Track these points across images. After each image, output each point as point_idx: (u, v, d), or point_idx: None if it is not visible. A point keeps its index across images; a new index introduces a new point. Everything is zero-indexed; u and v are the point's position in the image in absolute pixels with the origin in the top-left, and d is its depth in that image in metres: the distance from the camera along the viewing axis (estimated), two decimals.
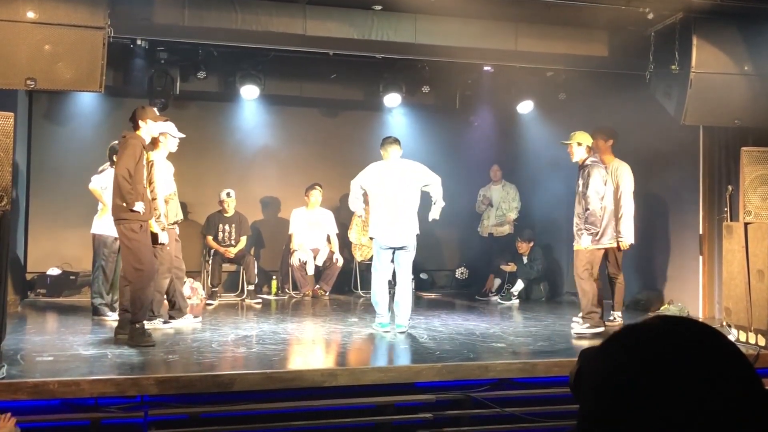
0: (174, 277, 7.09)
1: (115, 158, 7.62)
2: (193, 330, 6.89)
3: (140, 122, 6.27)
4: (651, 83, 7.52)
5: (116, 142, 7.67)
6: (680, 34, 7.06)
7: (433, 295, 10.32)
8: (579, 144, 6.97)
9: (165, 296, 7.11)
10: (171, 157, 7.20)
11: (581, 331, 6.74)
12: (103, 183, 7.41)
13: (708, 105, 7.07)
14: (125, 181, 5.98)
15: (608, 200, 6.94)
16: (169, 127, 7.04)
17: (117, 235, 7.48)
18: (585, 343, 6.50)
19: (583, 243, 6.79)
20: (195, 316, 7.36)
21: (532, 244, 9.80)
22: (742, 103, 7.10)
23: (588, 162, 6.89)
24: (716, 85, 7.00)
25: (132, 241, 6.04)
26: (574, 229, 6.99)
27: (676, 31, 7.08)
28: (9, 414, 3.80)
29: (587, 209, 6.74)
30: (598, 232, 6.76)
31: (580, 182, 6.91)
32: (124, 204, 5.99)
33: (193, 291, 9.27)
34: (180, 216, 7.30)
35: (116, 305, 7.52)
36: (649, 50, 7.41)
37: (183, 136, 7.15)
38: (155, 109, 6.55)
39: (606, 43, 7.74)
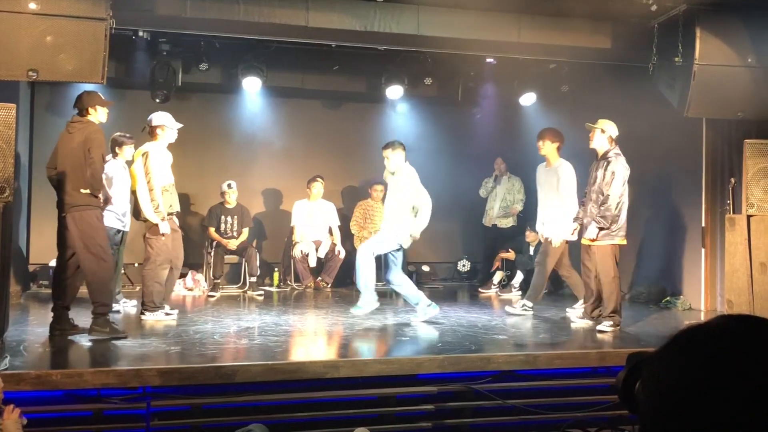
0: (173, 266, 7.09)
1: (118, 150, 7.66)
2: (195, 322, 6.89)
3: (90, 109, 6.05)
4: (654, 75, 7.51)
5: (119, 133, 7.67)
6: (684, 26, 7.03)
7: (435, 287, 10.32)
8: (603, 131, 6.79)
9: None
10: (173, 148, 7.20)
11: (605, 329, 6.59)
12: (106, 173, 7.40)
13: (711, 97, 7.05)
14: (102, 168, 5.93)
15: (626, 196, 6.73)
16: (167, 118, 7.03)
17: (118, 227, 7.53)
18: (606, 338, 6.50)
19: (590, 233, 6.63)
20: (169, 312, 7.09)
21: None
22: (746, 95, 7.08)
23: (610, 155, 6.69)
24: (719, 77, 6.98)
25: (97, 229, 5.92)
26: (584, 221, 6.84)
27: (680, 22, 7.06)
28: (12, 405, 3.81)
29: (605, 202, 6.56)
30: (605, 228, 6.58)
31: (599, 173, 6.71)
32: (88, 190, 5.84)
33: (195, 283, 9.29)
34: (176, 207, 7.21)
35: (118, 296, 7.53)
36: (652, 42, 7.39)
37: (180, 126, 7.15)
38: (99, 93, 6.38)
39: (609, 34, 7.72)
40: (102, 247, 5.91)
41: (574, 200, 7.48)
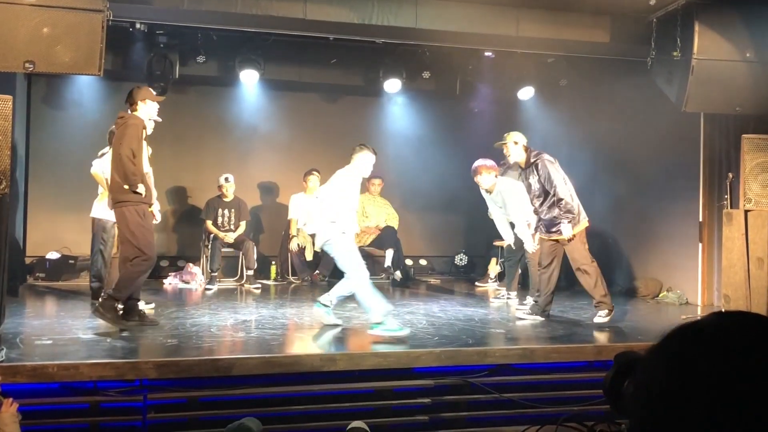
0: None
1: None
2: (192, 315, 6.88)
3: (140, 103, 6.16)
4: (652, 70, 7.49)
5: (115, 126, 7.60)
6: (682, 21, 7.02)
7: (432, 281, 10.33)
8: (516, 143, 6.88)
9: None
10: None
11: (602, 320, 6.59)
12: (104, 167, 7.36)
13: (709, 92, 7.04)
14: (130, 162, 5.88)
15: (569, 181, 6.79)
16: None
17: (114, 220, 7.48)
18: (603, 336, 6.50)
19: (565, 232, 6.63)
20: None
21: None
22: (744, 90, 7.07)
23: (533, 158, 6.78)
24: (718, 71, 6.97)
25: (137, 225, 5.93)
26: (549, 225, 6.78)
27: (678, 17, 7.05)
28: (11, 399, 3.80)
29: (560, 200, 6.60)
30: (575, 217, 6.65)
31: (533, 180, 6.78)
32: (126, 186, 5.90)
33: (192, 276, 9.28)
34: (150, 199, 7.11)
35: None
36: (650, 36, 7.38)
37: (159, 119, 7.10)
38: (152, 89, 6.42)
39: (608, 29, 7.71)
40: (142, 244, 5.91)
41: (527, 205, 7.54)
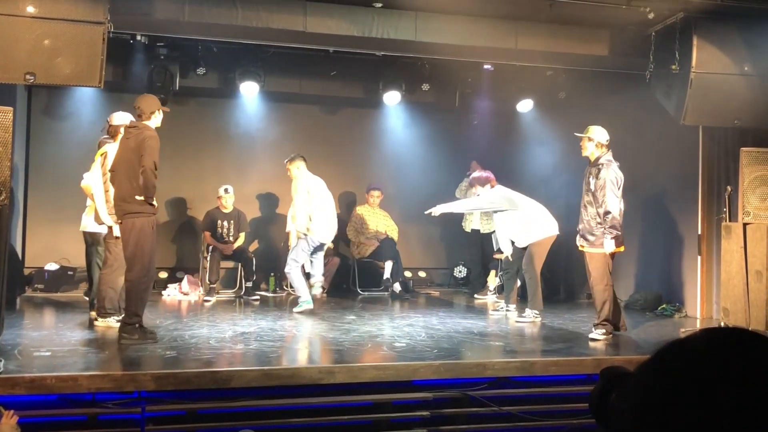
0: None
1: None
2: (190, 327, 6.87)
3: (157, 112, 6.12)
4: (651, 83, 7.53)
5: (105, 136, 7.17)
6: (681, 34, 7.06)
7: (431, 293, 10.32)
8: (590, 139, 6.70)
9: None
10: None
11: (597, 337, 6.52)
12: (93, 180, 7.22)
13: (708, 105, 7.07)
14: (154, 175, 5.88)
15: (622, 202, 6.64)
16: (127, 119, 6.85)
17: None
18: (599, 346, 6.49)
19: (607, 247, 6.45)
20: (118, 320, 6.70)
21: None
22: (742, 103, 7.10)
23: (602, 161, 6.59)
24: (716, 85, 7.00)
25: (147, 238, 5.91)
26: (584, 230, 6.70)
27: (677, 30, 7.09)
28: (12, 411, 3.79)
29: (607, 212, 6.43)
30: (619, 235, 6.49)
31: (592, 181, 6.64)
32: (142, 197, 5.86)
33: (190, 287, 9.27)
34: None
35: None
36: (649, 50, 7.41)
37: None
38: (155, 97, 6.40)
39: (606, 42, 7.74)
40: (146, 257, 5.90)
41: (520, 210, 7.84)
